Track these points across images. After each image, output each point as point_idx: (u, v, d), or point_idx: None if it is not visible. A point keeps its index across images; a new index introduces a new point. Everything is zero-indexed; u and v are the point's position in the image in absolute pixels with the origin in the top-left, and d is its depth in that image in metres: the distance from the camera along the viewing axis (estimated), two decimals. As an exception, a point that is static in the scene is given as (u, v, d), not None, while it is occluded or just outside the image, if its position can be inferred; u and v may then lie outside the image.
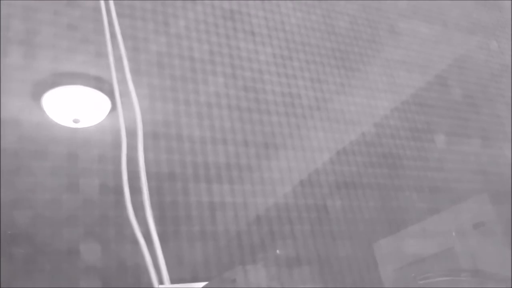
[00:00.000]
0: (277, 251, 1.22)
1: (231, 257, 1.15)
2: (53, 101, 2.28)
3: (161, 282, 0.92)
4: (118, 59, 1.22)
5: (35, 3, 1.34)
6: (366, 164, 1.42)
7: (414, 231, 1.52)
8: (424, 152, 1.52)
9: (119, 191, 0.99)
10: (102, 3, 1.28)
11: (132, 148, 1.04)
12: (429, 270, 1.24)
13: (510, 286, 1.14)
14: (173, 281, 0.90)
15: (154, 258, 0.94)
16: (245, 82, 1.38)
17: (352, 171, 1.40)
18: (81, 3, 1.32)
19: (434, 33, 1.92)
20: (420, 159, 1.49)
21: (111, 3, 1.26)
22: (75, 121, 2.38)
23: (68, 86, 2.24)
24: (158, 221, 0.99)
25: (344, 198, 1.33)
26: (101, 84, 2.17)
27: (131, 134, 1.08)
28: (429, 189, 1.44)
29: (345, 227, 1.26)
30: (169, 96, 1.25)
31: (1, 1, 1.30)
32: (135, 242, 0.92)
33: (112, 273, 1.01)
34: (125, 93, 1.19)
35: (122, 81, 1.21)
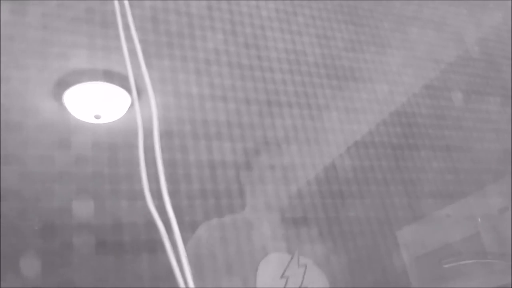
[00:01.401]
0: None
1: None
2: (74, 98, 2.27)
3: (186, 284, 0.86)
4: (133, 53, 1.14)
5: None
6: (378, 122, 1.34)
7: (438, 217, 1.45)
8: (441, 110, 1.42)
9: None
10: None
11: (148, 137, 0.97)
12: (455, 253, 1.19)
13: None
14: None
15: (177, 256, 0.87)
16: (246, 39, 1.30)
17: (362, 130, 1.31)
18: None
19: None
20: (436, 117, 1.40)
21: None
22: (97, 116, 2.36)
23: (89, 83, 2.22)
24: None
25: (354, 157, 1.25)
26: (121, 80, 2.13)
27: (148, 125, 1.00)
28: (447, 148, 1.35)
29: (356, 187, 1.18)
30: (165, 53, 1.18)
31: (1, 1, 1.26)
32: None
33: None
34: (141, 85, 1.11)
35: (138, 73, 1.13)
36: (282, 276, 1.16)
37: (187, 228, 1.01)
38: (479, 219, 1.57)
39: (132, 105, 2.27)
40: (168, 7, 1.24)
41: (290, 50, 1.33)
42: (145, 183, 0.92)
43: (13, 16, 1.23)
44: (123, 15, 1.12)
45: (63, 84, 2.09)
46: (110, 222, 1.11)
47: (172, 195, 0.96)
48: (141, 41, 1.18)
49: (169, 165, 1.05)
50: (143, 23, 1.21)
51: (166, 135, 1.08)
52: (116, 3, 1.17)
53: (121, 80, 2.03)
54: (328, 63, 1.37)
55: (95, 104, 2.36)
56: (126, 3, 1.16)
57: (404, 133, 1.35)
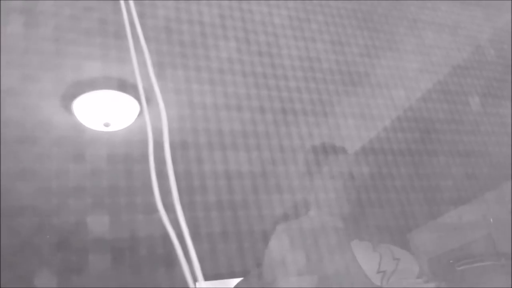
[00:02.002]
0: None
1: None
2: (83, 106, 2.28)
3: (195, 279, 0.85)
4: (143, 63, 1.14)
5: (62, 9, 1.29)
6: (396, 129, 1.31)
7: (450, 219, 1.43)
8: (458, 115, 1.40)
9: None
10: (123, 6, 1.19)
11: (159, 145, 0.96)
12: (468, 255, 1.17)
13: None
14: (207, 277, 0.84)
15: (187, 255, 0.86)
16: (260, 47, 1.29)
17: (381, 137, 1.29)
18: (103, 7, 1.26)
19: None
20: (454, 122, 1.37)
21: (132, 5, 1.18)
22: (106, 124, 2.37)
23: (98, 91, 2.23)
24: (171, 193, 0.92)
25: (372, 165, 1.23)
26: (129, 88, 2.13)
27: (159, 133, 0.99)
28: (466, 153, 1.32)
29: (374, 195, 1.16)
30: (178, 63, 1.17)
31: (1, 1, 1.26)
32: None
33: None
34: (150, 91, 1.10)
35: (147, 80, 1.12)
36: (378, 271, 1.15)
37: (203, 239, 1.00)
38: (491, 220, 1.54)
39: (141, 112, 2.27)
40: (181, 16, 1.24)
41: (304, 57, 1.32)
42: (157, 195, 0.91)
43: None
44: (132, 24, 1.11)
45: (71, 93, 2.10)
46: (122, 234, 1.10)
47: (188, 206, 0.95)
48: (155, 52, 1.17)
49: (185, 176, 1.04)
50: (157, 34, 1.20)
51: (181, 146, 1.06)
52: (124, 11, 1.16)
53: (132, 91, 2.04)
54: (343, 70, 1.35)
55: (104, 112, 2.36)
56: (133, 10, 1.15)
57: (422, 139, 1.33)
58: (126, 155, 1.20)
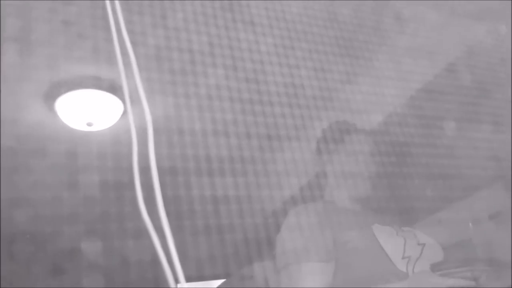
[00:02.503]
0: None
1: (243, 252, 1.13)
2: (66, 106, 2.27)
3: (176, 280, 0.89)
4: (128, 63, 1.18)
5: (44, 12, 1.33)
6: (373, 153, 1.38)
7: (430, 222, 1.49)
8: (433, 139, 1.48)
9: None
10: (108, 5, 1.23)
11: (143, 147, 1.01)
12: (446, 262, 1.19)
13: None
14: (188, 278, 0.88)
15: (168, 256, 0.91)
16: (247, 73, 1.35)
17: (358, 160, 1.36)
18: (86, 6, 1.30)
19: (441, 19, 1.87)
20: (429, 146, 1.45)
21: (117, 5, 1.22)
22: (89, 124, 2.37)
23: (81, 90, 2.22)
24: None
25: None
26: (113, 87, 2.16)
27: (143, 134, 1.04)
28: (440, 176, 1.40)
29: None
30: (168, 90, 1.23)
31: (1, 1, 1.29)
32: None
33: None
34: (135, 94, 1.15)
35: (133, 83, 1.17)
36: (403, 257, 1.09)
37: (191, 263, 1.05)
38: (470, 224, 1.61)
39: (125, 112, 2.27)
40: (170, 45, 1.29)
41: (288, 84, 1.38)
42: (139, 193, 0.95)
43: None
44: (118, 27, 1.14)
45: (54, 92, 2.11)
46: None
47: (176, 231, 1.01)
48: (146, 80, 1.23)
49: (174, 201, 1.09)
50: (148, 62, 1.26)
51: (170, 172, 1.12)
52: (109, 11, 1.19)
53: (114, 88, 2.06)
54: (325, 96, 1.42)
55: (87, 112, 2.34)
56: (117, 3, 1.18)
57: (399, 162, 1.40)
58: (111, 155, 1.25)
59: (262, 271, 1.16)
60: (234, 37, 1.38)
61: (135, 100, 1.04)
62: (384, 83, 1.52)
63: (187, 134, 1.17)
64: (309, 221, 1.13)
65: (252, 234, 1.08)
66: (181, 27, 1.32)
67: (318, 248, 1.09)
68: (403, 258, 1.09)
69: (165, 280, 0.87)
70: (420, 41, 1.73)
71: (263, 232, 1.13)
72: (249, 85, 1.34)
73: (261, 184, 1.18)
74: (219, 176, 1.13)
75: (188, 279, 0.89)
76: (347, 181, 1.26)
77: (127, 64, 1.09)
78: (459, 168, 1.48)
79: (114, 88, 2.13)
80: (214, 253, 1.06)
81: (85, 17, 1.33)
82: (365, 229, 1.15)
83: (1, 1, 1.17)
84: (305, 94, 1.38)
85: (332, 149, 1.26)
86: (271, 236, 1.21)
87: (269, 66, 1.39)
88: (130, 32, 1.28)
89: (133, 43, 1.27)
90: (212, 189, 1.11)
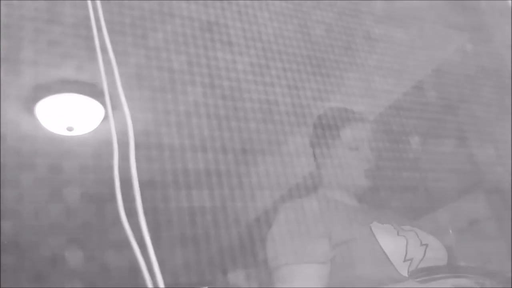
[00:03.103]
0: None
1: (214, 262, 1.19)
2: (46, 110, 2.27)
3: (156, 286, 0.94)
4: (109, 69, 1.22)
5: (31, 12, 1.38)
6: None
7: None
8: (399, 153, 1.57)
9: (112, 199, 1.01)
10: (91, 11, 1.28)
11: (123, 156, 1.06)
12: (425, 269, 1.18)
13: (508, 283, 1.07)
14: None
15: (148, 264, 0.96)
16: (223, 91, 1.43)
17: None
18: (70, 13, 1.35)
19: (409, 38, 1.98)
20: (395, 160, 1.54)
21: (99, 7, 1.26)
22: (69, 129, 2.38)
23: (61, 94, 2.23)
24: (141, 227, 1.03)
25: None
26: (94, 92, 2.19)
27: (123, 142, 1.09)
28: (405, 188, 1.49)
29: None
30: (148, 107, 1.30)
31: (1, 1, 1.33)
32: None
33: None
34: (116, 101, 1.19)
35: (114, 90, 1.22)
36: (405, 259, 1.00)
37: (169, 271, 1.12)
38: (450, 231, 1.69)
39: (106, 117, 2.28)
40: (151, 63, 1.36)
41: (263, 101, 1.46)
42: (120, 201, 1.00)
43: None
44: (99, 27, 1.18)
45: (34, 96, 2.13)
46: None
47: (155, 241, 1.08)
48: (127, 97, 1.30)
49: (153, 213, 1.16)
50: (128, 80, 1.33)
51: (149, 185, 1.19)
52: (91, 12, 1.23)
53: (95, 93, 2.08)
54: (298, 112, 1.50)
55: (67, 116, 2.34)
56: (100, 12, 1.22)
57: (366, 175, 1.49)
58: (92, 160, 1.31)
59: (236, 279, 1.22)
60: (212, 56, 1.45)
61: (116, 106, 1.11)
62: (353, 100, 1.61)
63: (167, 149, 1.24)
64: (304, 218, 1.07)
65: (227, 243, 1.15)
66: (161, 47, 1.40)
67: (313, 248, 1.03)
68: (404, 261, 1.02)
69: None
70: (388, 59, 1.83)
71: (237, 242, 1.20)
72: (225, 102, 1.41)
73: (236, 196, 1.25)
74: (195, 188, 1.20)
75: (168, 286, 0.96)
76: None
77: (108, 69, 1.15)
78: (423, 181, 1.58)
79: (95, 93, 2.18)
80: (191, 261, 1.13)
81: (68, 17, 1.39)
82: (364, 227, 1.08)
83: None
84: (279, 110, 1.46)
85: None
86: (246, 245, 1.29)
87: (245, 84, 1.47)
88: (114, 51, 1.34)
89: (116, 63, 1.34)
90: (189, 201, 1.18)
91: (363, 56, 1.74)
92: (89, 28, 1.18)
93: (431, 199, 1.66)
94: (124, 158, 1.04)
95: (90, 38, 1.18)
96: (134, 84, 1.33)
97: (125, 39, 1.36)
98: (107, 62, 1.20)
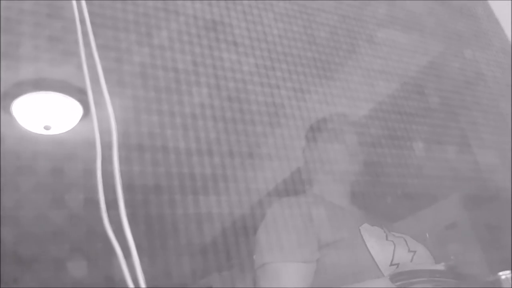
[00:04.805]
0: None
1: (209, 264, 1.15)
2: (23, 108, 2.20)
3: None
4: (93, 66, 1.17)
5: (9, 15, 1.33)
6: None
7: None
8: (404, 159, 1.55)
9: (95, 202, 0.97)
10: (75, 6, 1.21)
11: (107, 157, 1.01)
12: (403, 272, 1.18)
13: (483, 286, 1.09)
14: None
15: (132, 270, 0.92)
16: (229, 92, 1.39)
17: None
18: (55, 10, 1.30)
19: (411, 42, 1.96)
20: (400, 166, 1.52)
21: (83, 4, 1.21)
22: (46, 128, 2.30)
23: (38, 93, 2.16)
24: (144, 234, 0.99)
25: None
26: (72, 91, 2.13)
27: (105, 143, 1.04)
28: (410, 195, 1.48)
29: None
30: (153, 108, 1.25)
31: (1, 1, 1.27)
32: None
33: None
34: (98, 100, 1.15)
35: (97, 89, 1.17)
36: (391, 264, 1.01)
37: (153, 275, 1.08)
38: (427, 235, 1.69)
39: (84, 116, 2.20)
40: (156, 63, 1.32)
41: (269, 103, 1.43)
42: (103, 205, 0.95)
43: None
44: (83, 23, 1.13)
45: (11, 94, 2.06)
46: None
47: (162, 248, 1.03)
48: (132, 97, 1.25)
49: (159, 219, 1.12)
50: (133, 79, 1.28)
51: (155, 189, 1.14)
52: (75, 9, 1.18)
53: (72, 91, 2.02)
54: (304, 116, 1.47)
55: (44, 115, 2.28)
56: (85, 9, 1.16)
57: (372, 182, 1.47)
58: (70, 160, 1.26)
59: (220, 281, 1.18)
60: (218, 56, 1.41)
61: (98, 104, 1.05)
62: (358, 104, 1.59)
63: (172, 152, 1.20)
64: (292, 216, 1.07)
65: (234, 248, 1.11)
66: (166, 46, 1.35)
67: (300, 247, 1.03)
68: (391, 265, 1.03)
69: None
70: (391, 64, 1.81)
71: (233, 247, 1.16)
72: (232, 104, 1.37)
73: (243, 201, 1.22)
74: (203, 194, 1.16)
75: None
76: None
77: (92, 66, 1.09)
78: (426, 188, 1.56)
79: (74, 91, 2.12)
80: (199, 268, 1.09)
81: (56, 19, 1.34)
82: (353, 229, 1.08)
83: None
84: (285, 114, 1.42)
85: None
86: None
87: (251, 85, 1.43)
88: (116, 49, 1.29)
89: (119, 60, 1.29)
90: (196, 207, 1.14)
91: (367, 60, 1.72)
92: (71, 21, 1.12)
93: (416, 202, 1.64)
94: (106, 159, 0.99)
95: (72, 32, 1.11)
96: (139, 83, 1.28)
97: (129, 36, 1.31)
98: (90, 57, 1.13)
